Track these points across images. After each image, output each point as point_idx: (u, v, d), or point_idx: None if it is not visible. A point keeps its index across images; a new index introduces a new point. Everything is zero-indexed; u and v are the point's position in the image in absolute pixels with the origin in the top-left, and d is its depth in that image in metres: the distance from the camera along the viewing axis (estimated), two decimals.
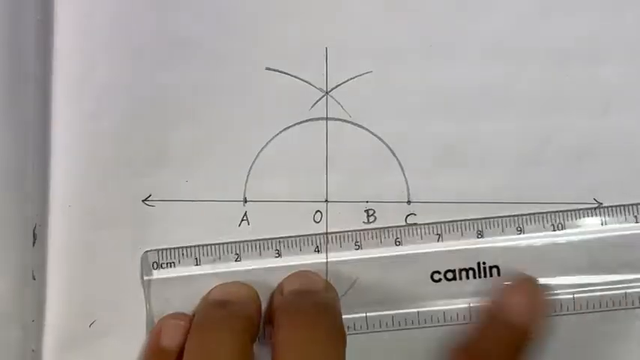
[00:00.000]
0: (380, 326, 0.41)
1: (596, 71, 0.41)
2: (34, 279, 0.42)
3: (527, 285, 0.39)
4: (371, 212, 0.41)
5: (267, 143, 0.41)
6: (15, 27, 0.41)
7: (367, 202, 0.41)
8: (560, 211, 0.41)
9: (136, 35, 0.41)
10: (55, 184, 0.41)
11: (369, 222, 0.41)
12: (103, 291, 0.41)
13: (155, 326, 0.40)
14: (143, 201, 0.41)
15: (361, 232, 0.41)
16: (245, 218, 0.41)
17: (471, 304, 0.40)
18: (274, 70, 0.41)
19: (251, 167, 0.41)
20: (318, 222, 0.41)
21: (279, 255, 0.41)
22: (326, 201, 0.41)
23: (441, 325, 0.41)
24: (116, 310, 0.41)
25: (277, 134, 0.41)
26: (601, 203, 0.41)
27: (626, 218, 0.40)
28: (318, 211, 0.41)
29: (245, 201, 0.41)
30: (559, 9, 0.41)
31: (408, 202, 0.41)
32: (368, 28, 0.41)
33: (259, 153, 0.41)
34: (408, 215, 0.41)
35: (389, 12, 0.41)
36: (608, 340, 0.41)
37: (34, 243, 0.42)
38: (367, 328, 0.40)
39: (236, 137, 0.41)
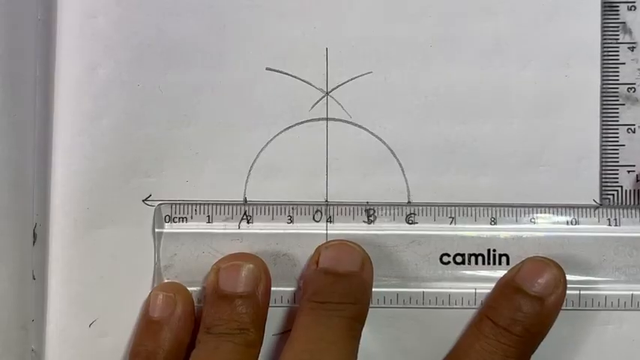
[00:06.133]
0: (384, 302, 0.41)
1: (595, 72, 0.41)
2: (34, 279, 0.42)
3: (546, 260, 0.40)
4: (371, 212, 0.41)
5: (267, 143, 0.41)
6: (15, 27, 0.41)
7: (367, 202, 0.41)
8: (576, 206, 0.41)
9: (136, 36, 0.41)
10: (55, 184, 0.41)
11: (369, 222, 0.41)
12: (103, 291, 0.41)
13: (147, 298, 0.41)
14: (143, 201, 0.41)
15: (375, 207, 0.41)
16: (245, 217, 0.41)
17: (477, 290, 0.41)
18: (275, 70, 0.41)
19: (251, 167, 0.41)
20: (318, 221, 0.41)
21: (292, 221, 0.41)
22: (326, 201, 0.41)
23: (445, 308, 0.41)
24: (116, 310, 0.41)
25: (277, 134, 0.41)
26: (600, 204, 0.41)
27: (632, 221, 0.41)
28: (318, 210, 0.41)
29: (245, 201, 0.41)
30: (559, 10, 0.41)
31: (409, 202, 0.41)
32: (368, 29, 0.41)
33: (259, 153, 0.41)
34: (409, 215, 0.41)
35: (389, 13, 0.41)
36: (609, 340, 0.41)
37: (34, 243, 0.42)
38: (371, 303, 0.40)
39: (236, 137, 0.41)
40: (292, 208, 0.41)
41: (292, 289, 0.41)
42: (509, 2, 0.41)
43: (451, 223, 0.41)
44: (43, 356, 0.41)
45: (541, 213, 0.41)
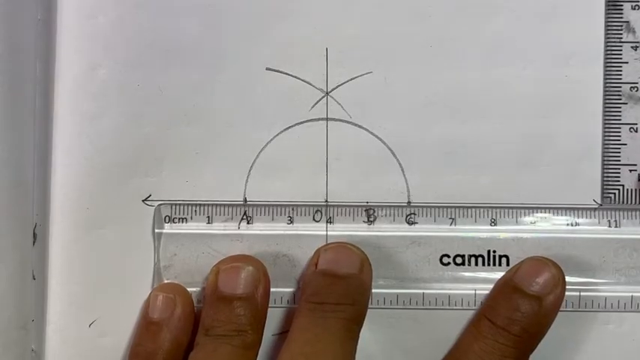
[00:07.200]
0: (384, 303, 0.41)
1: (597, 71, 0.41)
2: (34, 279, 0.42)
3: (545, 260, 0.40)
4: (371, 213, 0.41)
5: (267, 143, 0.41)
6: (15, 27, 0.41)
7: (367, 202, 0.41)
8: (576, 207, 0.41)
9: (136, 36, 0.41)
10: (55, 184, 0.41)
11: (369, 222, 0.41)
12: (103, 291, 0.41)
13: (146, 299, 0.41)
14: (143, 201, 0.41)
15: (375, 208, 0.41)
16: (245, 218, 0.41)
17: (477, 291, 0.41)
18: (275, 70, 0.41)
19: (251, 167, 0.41)
20: (318, 222, 0.41)
21: (292, 222, 0.41)
22: (326, 202, 0.41)
23: (445, 309, 0.41)
24: (116, 310, 0.41)
25: (277, 134, 0.41)
26: (601, 204, 0.41)
27: (632, 222, 0.41)
28: (318, 211, 0.41)
29: (245, 201, 0.41)
30: (560, 10, 0.41)
31: (408, 202, 0.41)
32: (368, 29, 0.41)
33: (259, 153, 0.41)
34: (409, 216, 0.41)
35: (389, 13, 0.41)
36: (609, 340, 0.41)
37: (34, 243, 0.42)
38: (371, 304, 0.40)
39: (236, 137, 0.41)
40: (292, 209, 0.41)
41: (292, 289, 0.41)
42: (509, 2, 0.41)
43: (451, 224, 0.41)
44: (43, 356, 0.41)
45: (541, 214, 0.41)
